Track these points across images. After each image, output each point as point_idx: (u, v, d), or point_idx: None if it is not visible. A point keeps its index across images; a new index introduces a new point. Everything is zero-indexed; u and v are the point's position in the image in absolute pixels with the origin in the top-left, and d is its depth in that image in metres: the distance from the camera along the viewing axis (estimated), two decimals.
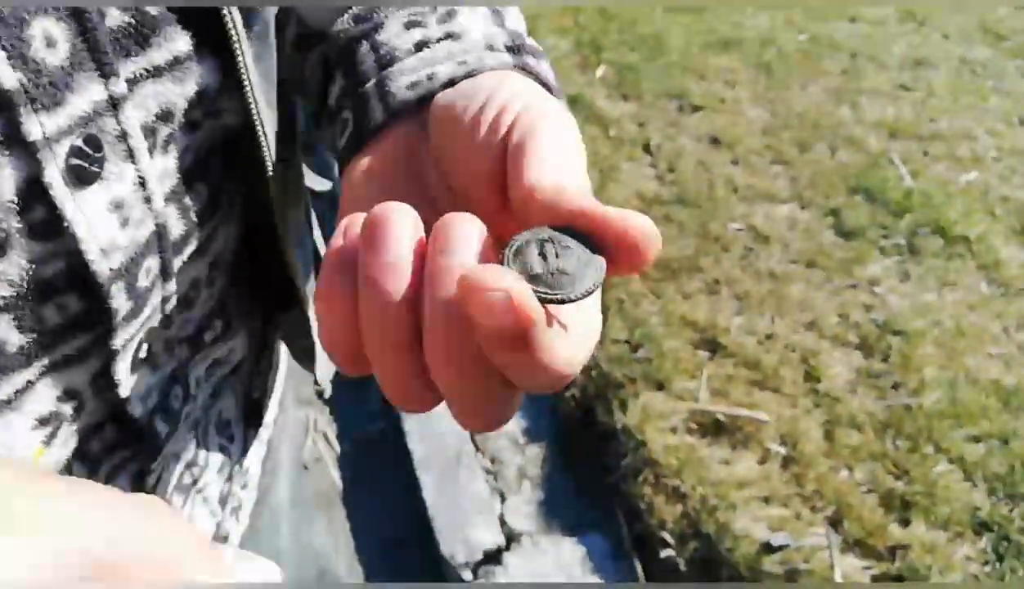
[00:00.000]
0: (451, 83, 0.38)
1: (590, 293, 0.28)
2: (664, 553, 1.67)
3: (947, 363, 1.98)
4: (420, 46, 0.40)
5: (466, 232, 0.29)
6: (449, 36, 0.40)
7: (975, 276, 2.25)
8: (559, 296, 0.28)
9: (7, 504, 0.20)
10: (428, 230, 0.30)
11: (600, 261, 0.29)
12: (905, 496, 1.70)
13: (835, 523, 1.66)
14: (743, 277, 2.21)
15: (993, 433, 1.81)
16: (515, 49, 0.40)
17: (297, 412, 0.74)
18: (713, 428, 1.83)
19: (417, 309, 0.29)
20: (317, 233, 0.61)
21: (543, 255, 0.28)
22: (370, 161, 0.39)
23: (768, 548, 1.62)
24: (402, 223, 0.29)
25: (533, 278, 0.28)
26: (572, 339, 0.29)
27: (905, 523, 1.66)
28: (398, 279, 0.29)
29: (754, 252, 2.30)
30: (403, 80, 0.39)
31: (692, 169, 2.61)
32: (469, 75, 0.38)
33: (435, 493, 1.83)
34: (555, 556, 1.73)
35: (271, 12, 0.42)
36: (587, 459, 1.88)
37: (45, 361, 0.36)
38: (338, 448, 2.16)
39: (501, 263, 0.28)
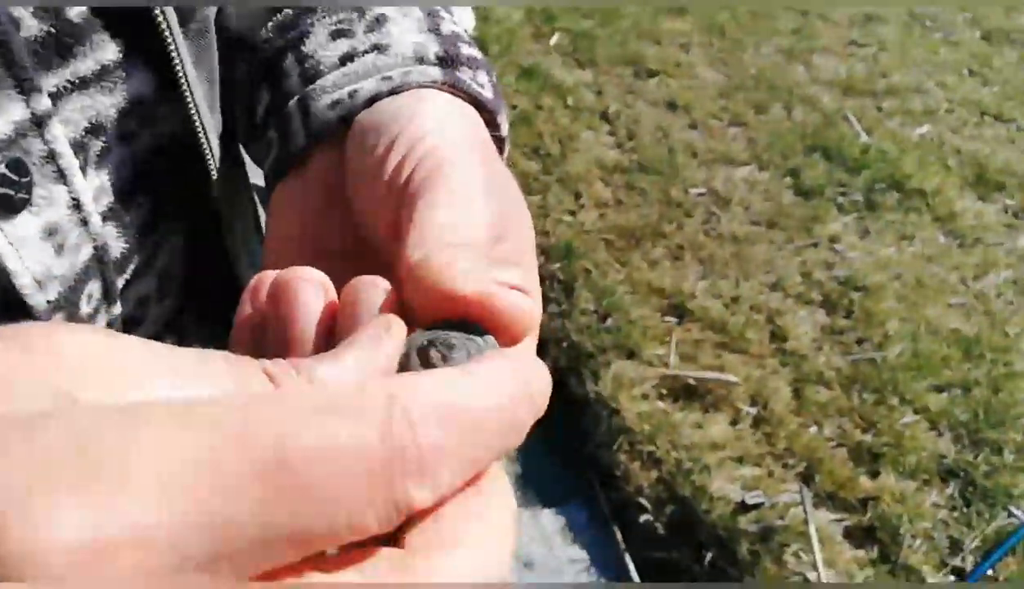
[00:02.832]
0: (375, 99, 0.36)
1: None
2: (642, 518, 1.69)
3: (908, 315, 2.02)
4: (345, 59, 0.38)
5: (368, 302, 0.28)
6: (376, 48, 0.37)
7: (932, 228, 2.29)
8: None
9: None
10: (357, 270, 0.29)
11: (489, 344, 0.27)
12: (873, 448, 1.74)
13: (807, 479, 1.69)
14: (706, 241, 2.23)
15: (955, 382, 1.86)
16: (447, 60, 0.37)
17: None
18: (684, 392, 1.85)
19: None
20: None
21: (431, 364, 0.26)
22: (293, 191, 0.37)
23: (743, 507, 1.65)
24: (306, 292, 0.28)
25: None
26: None
27: (874, 474, 1.70)
28: (302, 353, 0.27)
29: (716, 216, 2.31)
30: (325, 98, 0.37)
31: (651, 135, 2.62)
32: (394, 92, 0.36)
33: None
34: (535, 527, 1.75)
35: (210, 11, 0.39)
36: (562, 430, 1.90)
37: None
38: None
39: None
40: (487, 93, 0.38)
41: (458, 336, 0.27)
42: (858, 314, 2.02)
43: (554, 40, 3.11)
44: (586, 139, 2.61)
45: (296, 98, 0.38)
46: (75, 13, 0.32)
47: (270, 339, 0.29)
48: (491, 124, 0.38)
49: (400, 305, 0.28)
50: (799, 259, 2.18)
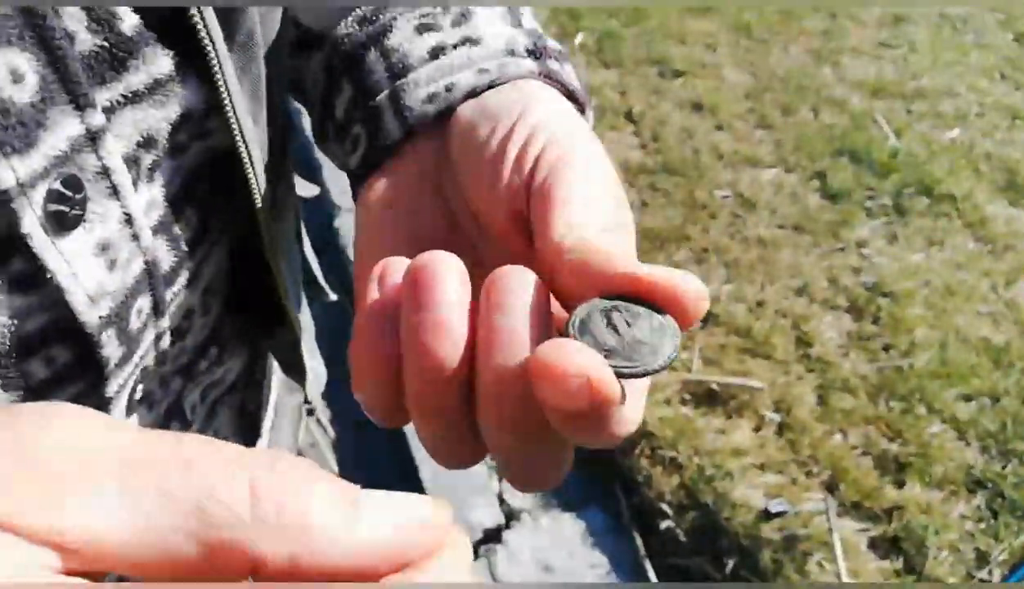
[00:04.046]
0: (472, 94, 0.36)
1: (672, 360, 0.27)
2: (663, 524, 1.68)
3: (937, 323, 1.98)
4: (436, 53, 0.37)
5: (520, 289, 0.27)
6: (467, 41, 0.37)
7: (962, 234, 2.26)
8: (641, 369, 0.26)
9: None
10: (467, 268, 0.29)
11: (671, 323, 0.27)
12: (899, 457, 1.71)
13: (831, 487, 1.67)
14: (731, 244, 2.20)
15: (984, 391, 1.83)
16: (537, 53, 0.37)
17: (290, 399, 0.73)
18: (707, 398, 1.84)
19: (469, 371, 0.28)
20: (306, 243, 0.59)
21: (613, 326, 0.27)
22: (389, 184, 0.37)
23: (766, 515, 1.63)
24: (449, 276, 0.28)
25: (608, 352, 0.26)
26: (638, 399, 0.28)
27: (900, 484, 1.67)
28: (448, 340, 0.27)
29: (741, 219, 2.29)
30: (420, 92, 0.37)
31: (676, 136, 2.59)
32: (491, 85, 0.36)
33: (432, 475, 1.83)
34: (555, 532, 1.74)
35: (255, 20, 0.38)
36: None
37: None
38: (332, 433, 2.15)
39: (563, 334, 0.27)
40: (576, 83, 0.38)
41: (642, 308, 0.27)
42: (885, 321, 1.99)
43: (579, 39, 3.10)
44: (610, 139, 2.59)
45: (386, 92, 0.37)
46: (128, 26, 0.31)
47: (404, 326, 0.28)
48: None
49: (548, 292, 0.28)
50: (826, 264, 2.15)
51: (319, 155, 2.55)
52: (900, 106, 2.74)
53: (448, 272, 0.28)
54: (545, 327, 0.27)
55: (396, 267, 0.30)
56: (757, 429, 1.78)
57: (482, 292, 0.28)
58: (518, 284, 0.27)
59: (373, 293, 0.29)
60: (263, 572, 0.19)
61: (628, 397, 0.27)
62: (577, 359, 0.25)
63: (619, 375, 0.26)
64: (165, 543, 0.18)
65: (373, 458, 1.92)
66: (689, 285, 0.27)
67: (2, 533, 0.18)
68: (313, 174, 2.50)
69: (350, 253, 2.26)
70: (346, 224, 2.34)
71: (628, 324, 0.27)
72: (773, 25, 3.17)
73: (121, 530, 0.18)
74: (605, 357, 0.26)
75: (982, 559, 1.56)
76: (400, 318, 0.29)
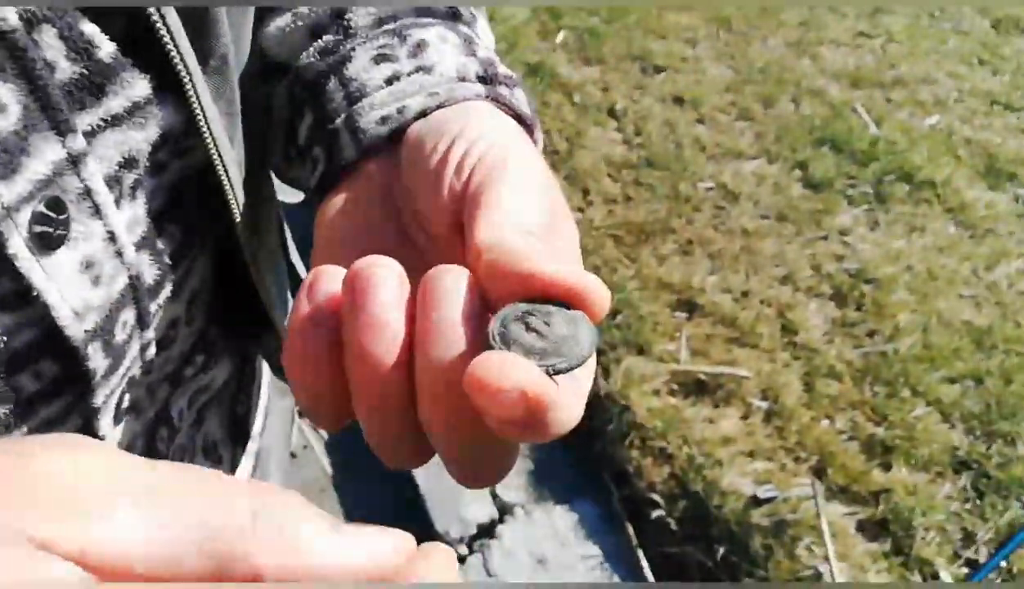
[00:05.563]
0: (423, 115, 0.38)
1: (595, 347, 0.28)
2: (655, 514, 1.70)
3: (920, 307, 2.01)
4: (391, 80, 0.39)
5: (453, 286, 0.28)
6: (420, 69, 0.39)
7: (943, 220, 2.28)
8: (574, 362, 0.27)
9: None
10: (410, 274, 0.30)
11: (581, 314, 0.28)
12: (885, 441, 1.73)
13: (819, 472, 1.69)
14: (715, 236, 2.22)
15: (968, 374, 1.85)
16: (487, 79, 0.39)
17: (282, 402, 0.74)
18: (695, 388, 1.86)
19: (409, 369, 0.29)
20: (292, 248, 0.60)
21: (533, 330, 0.27)
22: (344, 200, 0.38)
23: (756, 502, 1.65)
24: (387, 278, 0.29)
25: (536, 353, 0.27)
26: (575, 396, 0.29)
27: (887, 467, 1.69)
28: (388, 340, 0.28)
29: (725, 210, 2.31)
30: (373, 114, 0.39)
31: (659, 131, 2.61)
32: (441, 106, 0.38)
33: (425, 472, 1.84)
34: (548, 525, 1.75)
35: (229, 46, 0.40)
36: (574, 427, 1.89)
37: (24, 429, 0.35)
38: (325, 434, 2.16)
39: (488, 344, 0.27)
40: (524, 108, 0.40)
41: (555, 308, 0.28)
42: (869, 307, 2.01)
43: (560, 37, 3.11)
44: (593, 136, 2.61)
45: (343, 116, 0.39)
46: (105, 53, 0.33)
47: (345, 329, 0.29)
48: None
49: (480, 294, 0.29)
50: (809, 252, 2.17)
51: None
52: (879, 95, 2.77)
53: (384, 274, 0.29)
54: (478, 322, 0.28)
55: (329, 275, 0.30)
56: (745, 417, 1.80)
57: (418, 292, 0.29)
58: (451, 281, 0.29)
59: (303, 302, 0.30)
60: (260, 581, 0.21)
61: (563, 395, 0.28)
62: (509, 371, 0.26)
63: (555, 372, 0.27)
64: (177, 556, 0.21)
65: (365, 459, 1.93)
66: (591, 283, 0.29)
67: (41, 552, 0.20)
68: None
69: None
70: None
71: (546, 324, 0.28)
72: (752, 18, 3.19)
73: (138, 546, 0.20)
74: (537, 360, 0.27)
75: (968, 539, 1.58)
76: (336, 324, 0.30)
